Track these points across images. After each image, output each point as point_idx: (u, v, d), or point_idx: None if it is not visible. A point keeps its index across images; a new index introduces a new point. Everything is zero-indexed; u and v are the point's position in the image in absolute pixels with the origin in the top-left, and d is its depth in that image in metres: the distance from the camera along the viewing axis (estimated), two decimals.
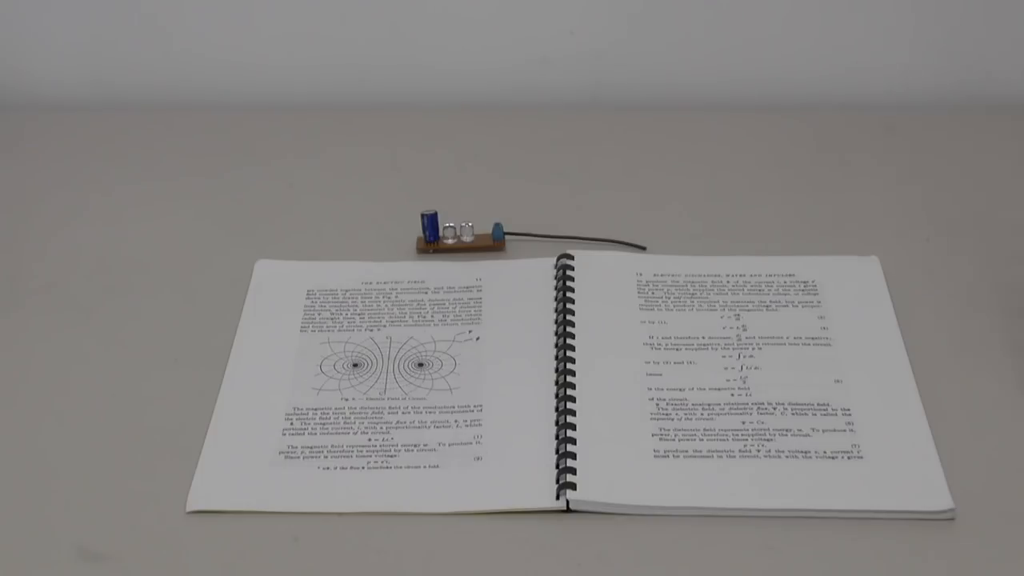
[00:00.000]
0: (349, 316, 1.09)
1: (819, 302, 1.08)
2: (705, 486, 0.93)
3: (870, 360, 1.03)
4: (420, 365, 1.04)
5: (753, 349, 1.04)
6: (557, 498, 0.92)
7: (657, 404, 0.99)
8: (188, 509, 0.92)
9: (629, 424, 0.98)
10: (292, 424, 0.99)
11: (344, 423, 0.99)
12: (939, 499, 0.91)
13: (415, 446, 0.97)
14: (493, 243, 1.15)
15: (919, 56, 1.36)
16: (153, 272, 1.14)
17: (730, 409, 0.99)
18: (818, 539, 0.90)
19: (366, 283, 1.12)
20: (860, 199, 1.21)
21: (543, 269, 1.13)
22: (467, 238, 1.15)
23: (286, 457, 0.96)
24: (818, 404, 0.99)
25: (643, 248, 1.15)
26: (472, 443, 0.97)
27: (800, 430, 0.97)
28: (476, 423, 0.99)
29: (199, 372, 1.03)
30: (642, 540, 0.90)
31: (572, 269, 1.11)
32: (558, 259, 1.12)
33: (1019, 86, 1.36)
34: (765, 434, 0.97)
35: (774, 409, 0.99)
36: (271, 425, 0.99)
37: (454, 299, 1.10)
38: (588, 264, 1.12)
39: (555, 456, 0.95)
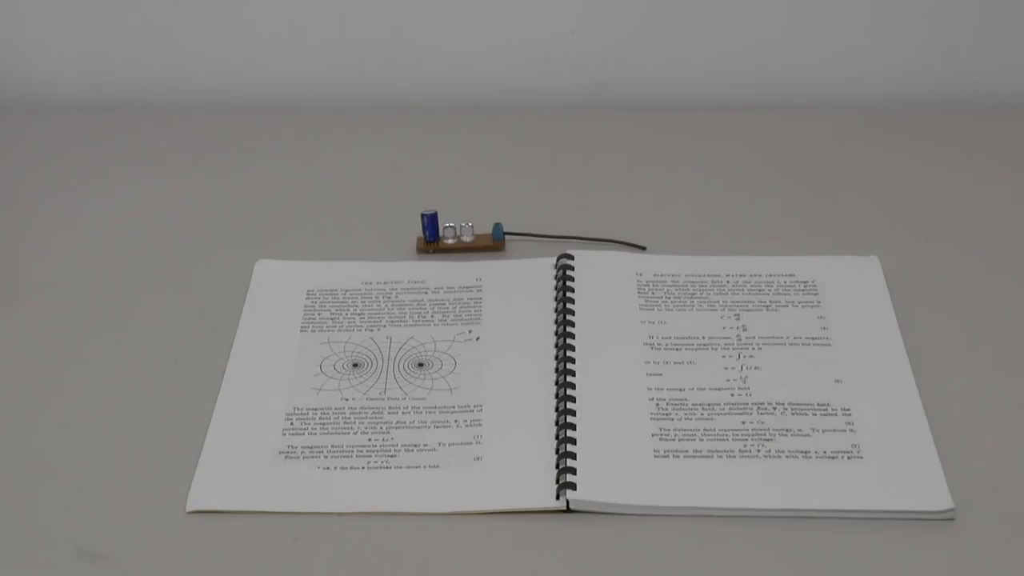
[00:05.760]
0: (349, 316, 1.09)
1: (819, 302, 1.08)
2: (705, 486, 0.93)
3: (870, 360, 1.03)
4: (420, 365, 1.04)
5: (753, 349, 1.04)
6: (557, 498, 0.92)
7: (657, 404, 0.99)
8: (188, 509, 0.92)
9: (629, 424, 0.98)
10: (292, 424, 0.99)
11: (344, 423, 0.99)
12: (939, 499, 0.91)
13: (415, 446, 0.97)
14: (493, 243, 1.15)
15: (919, 56, 1.36)
16: (153, 272, 1.14)
17: (730, 409, 0.99)
18: (818, 539, 0.90)
19: (366, 283, 1.12)
20: (860, 199, 1.21)
21: (543, 269, 1.13)
22: (467, 238, 1.15)
23: (286, 457, 0.96)
24: (818, 404, 0.99)
25: (643, 248, 1.15)
26: (472, 443, 0.97)
27: (800, 430, 0.97)
28: (476, 423, 0.99)
29: (199, 372, 1.03)
30: (642, 540, 0.90)
31: (572, 269, 1.11)
32: (558, 259, 1.12)
33: (1019, 86, 1.36)
34: (765, 434, 0.97)
35: (774, 409, 0.99)
36: (271, 425, 0.99)
37: (454, 299, 1.10)
38: (588, 264, 1.12)
39: (555, 456, 0.95)
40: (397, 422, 0.99)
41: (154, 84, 1.38)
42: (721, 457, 0.95)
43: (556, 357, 1.03)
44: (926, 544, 0.89)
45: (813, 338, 1.05)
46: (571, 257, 1.12)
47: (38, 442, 0.98)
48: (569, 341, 1.04)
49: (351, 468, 0.95)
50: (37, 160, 1.29)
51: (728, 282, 1.10)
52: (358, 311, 1.09)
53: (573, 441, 0.96)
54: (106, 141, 1.31)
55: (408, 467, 0.95)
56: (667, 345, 1.05)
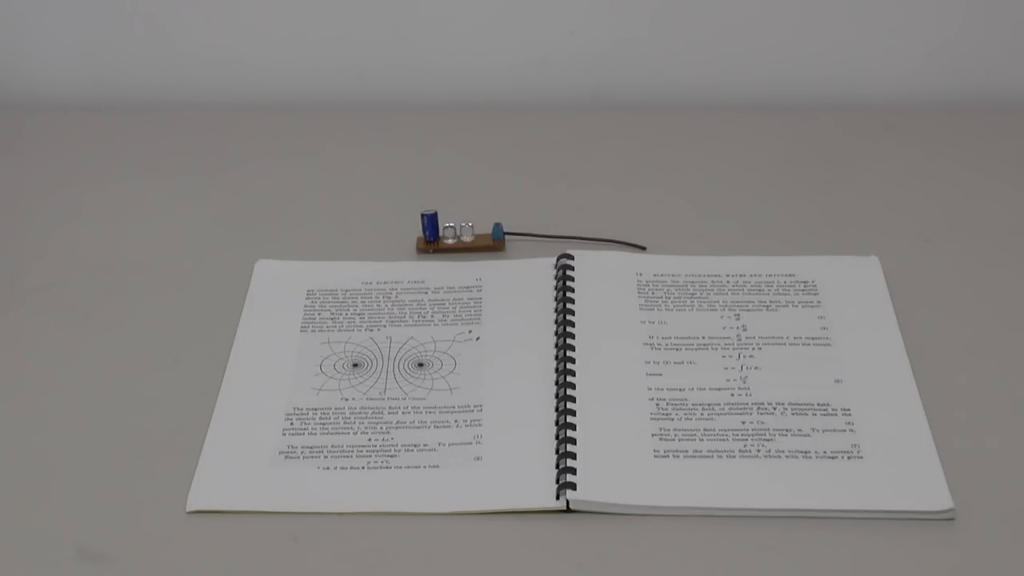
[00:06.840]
0: (349, 316, 1.09)
1: (819, 302, 1.08)
2: (705, 486, 0.93)
3: (870, 360, 1.03)
4: (420, 365, 1.04)
5: (753, 349, 1.04)
6: (557, 498, 0.92)
7: (657, 404, 0.99)
8: (188, 509, 0.92)
9: (629, 424, 0.98)
10: (292, 424, 0.99)
11: (344, 423, 0.99)
12: (939, 499, 0.91)
13: (415, 446, 0.97)
14: (493, 243, 1.15)
15: (919, 56, 1.36)
16: (153, 272, 1.14)
17: (730, 409, 0.99)
18: (818, 539, 0.90)
19: (366, 283, 1.12)
20: (860, 199, 1.21)
21: (543, 269, 1.13)
22: (467, 238, 1.15)
23: (286, 457, 0.96)
24: (818, 404, 0.99)
25: (643, 248, 1.15)
26: (472, 443, 0.97)
27: (800, 430, 0.97)
28: (476, 423, 0.99)
29: (199, 372, 1.03)
30: (642, 540, 0.90)
31: (572, 269, 1.11)
32: (558, 259, 1.12)
33: (1019, 86, 1.36)
34: (765, 434, 0.97)
35: (774, 409, 0.99)
36: (271, 425, 0.99)
37: (454, 299, 1.10)
38: (588, 264, 1.12)
39: (555, 456, 0.95)
40: (397, 422, 0.99)
41: (154, 84, 1.38)
42: (721, 457, 0.95)
43: (556, 357, 1.03)
44: (926, 544, 0.89)
45: (813, 338, 1.05)
46: (571, 257, 1.12)
47: (38, 442, 0.98)
48: (569, 341, 1.04)
49: (351, 468, 0.95)
50: (37, 160, 1.29)
51: (728, 282, 1.10)
52: (358, 311, 1.09)
53: (573, 441, 0.96)
54: (106, 141, 1.31)
55: (408, 467, 0.95)
56: (667, 345, 1.05)
